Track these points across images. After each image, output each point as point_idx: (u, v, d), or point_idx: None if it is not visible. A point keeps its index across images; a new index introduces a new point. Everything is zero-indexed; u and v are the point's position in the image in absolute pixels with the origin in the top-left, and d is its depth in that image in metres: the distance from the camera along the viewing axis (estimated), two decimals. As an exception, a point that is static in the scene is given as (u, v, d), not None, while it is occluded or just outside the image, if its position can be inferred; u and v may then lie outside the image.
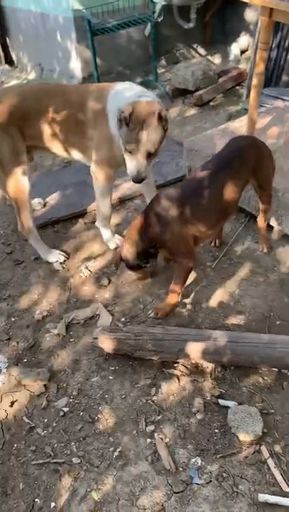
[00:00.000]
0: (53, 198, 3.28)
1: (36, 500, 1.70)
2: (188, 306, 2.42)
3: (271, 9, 2.42)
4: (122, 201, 3.21)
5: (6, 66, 6.58)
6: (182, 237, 2.15)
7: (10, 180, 2.47)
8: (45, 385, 2.08)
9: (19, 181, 2.48)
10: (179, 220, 2.11)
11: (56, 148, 2.55)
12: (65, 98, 2.41)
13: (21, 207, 2.57)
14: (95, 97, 2.37)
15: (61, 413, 1.97)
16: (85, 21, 4.07)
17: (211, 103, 4.53)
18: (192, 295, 2.48)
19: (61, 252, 2.77)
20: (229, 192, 2.15)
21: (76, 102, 2.39)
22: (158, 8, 4.36)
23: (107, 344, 2.13)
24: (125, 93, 2.29)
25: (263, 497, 1.64)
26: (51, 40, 5.17)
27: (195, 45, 5.56)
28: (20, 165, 2.46)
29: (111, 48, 4.84)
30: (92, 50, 4.15)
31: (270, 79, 4.37)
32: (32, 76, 6.04)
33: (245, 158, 2.22)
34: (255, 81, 2.73)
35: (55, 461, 1.80)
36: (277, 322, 2.28)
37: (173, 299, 2.31)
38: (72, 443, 1.86)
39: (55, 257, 2.74)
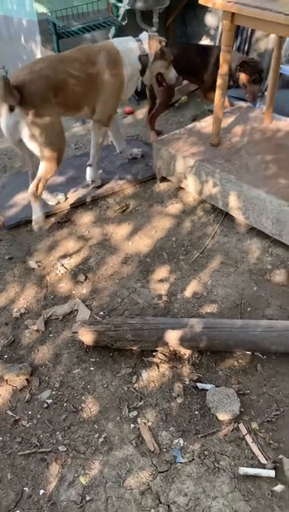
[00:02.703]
0: (24, 198, 3.29)
1: (25, 488, 1.74)
2: (164, 298, 2.51)
3: (233, 14, 2.56)
4: (94, 200, 3.27)
5: None
6: None
7: (56, 138, 2.71)
8: (27, 379, 2.12)
9: (64, 138, 2.80)
10: None
11: (73, 110, 2.90)
12: (79, 62, 2.76)
13: (52, 167, 2.77)
14: (108, 53, 2.83)
15: (45, 405, 2.01)
16: (50, 24, 4.11)
17: (176, 104, 4.65)
18: (168, 287, 2.57)
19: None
20: None
21: (89, 62, 2.78)
22: (122, 12, 4.44)
23: (87, 337, 2.19)
24: (129, 41, 2.98)
25: (243, 470, 1.74)
26: (15, 43, 5.16)
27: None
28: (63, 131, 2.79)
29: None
30: (58, 52, 4.19)
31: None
32: (-4, 79, 6.00)
33: None
34: (219, 81, 2.86)
35: (41, 450, 1.84)
36: (248, 309, 2.40)
37: None
38: (58, 432, 1.91)
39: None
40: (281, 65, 3.78)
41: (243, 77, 3.50)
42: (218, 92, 2.90)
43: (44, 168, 2.77)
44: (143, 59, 2.96)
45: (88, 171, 3.29)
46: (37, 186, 2.82)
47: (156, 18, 4.91)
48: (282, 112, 3.56)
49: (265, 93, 3.46)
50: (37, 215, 2.95)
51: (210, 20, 5.31)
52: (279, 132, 3.28)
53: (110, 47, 2.88)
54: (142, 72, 3.02)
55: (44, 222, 3.00)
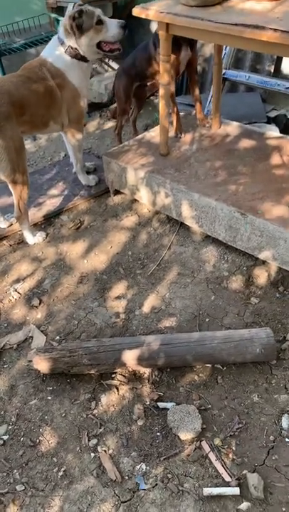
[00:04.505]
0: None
1: (-19, 536, 1.65)
2: (122, 316, 2.46)
3: (167, 24, 2.54)
4: (48, 219, 3.19)
5: None
6: None
7: (20, 164, 2.67)
8: (-19, 416, 2.02)
9: (26, 164, 2.75)
10: None
11: (40, 127, 2.91)
12: (32, 80, 2.71)
13: (25, 187, 2.76)
14: (47, 69, 2.77)
15: (1, 442, 1.92)
16: (-9, 42, 4.03)
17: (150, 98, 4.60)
18: (125, 304, 2.52)
19: (42, 233, 3.04)
20: None
21: (40, 79, 2.74)
22: (64, 25, 4.39)
23: (42, 365, 2.11)
24: (52, 45, 2.84)
25: (207, 491, 1.70)
26: None
27: (106, 59, 5.65)
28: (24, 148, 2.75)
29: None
30: (1, 70, 4.11)
31: (181, 87, 4.56)
32: None
33: None
34: (161, 91, 2.84)
35: (-2, 492, 1.76)
36: (207, 319, 2.37)
37: None
38: (15, 470, 1.82)
39: (38, 239, 3.01)
40: (226, 70, 3.81)
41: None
42: (161, 103, 2.88)
43: (15, 191, 2.76)
44: (69, 52, 2.77)
45: (79, 178, 3.40)
46: (19, 209, 2.82)
47: (100, 30, 4.88)
48: (229, 115, 3.58)
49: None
50: (35, 240, 3.00)
51: (155, 27, 5.31)
52: (228, 137, 3.28)
53: (44, 61, 2.81)
54: (82, 58, 2.82)
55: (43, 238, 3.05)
